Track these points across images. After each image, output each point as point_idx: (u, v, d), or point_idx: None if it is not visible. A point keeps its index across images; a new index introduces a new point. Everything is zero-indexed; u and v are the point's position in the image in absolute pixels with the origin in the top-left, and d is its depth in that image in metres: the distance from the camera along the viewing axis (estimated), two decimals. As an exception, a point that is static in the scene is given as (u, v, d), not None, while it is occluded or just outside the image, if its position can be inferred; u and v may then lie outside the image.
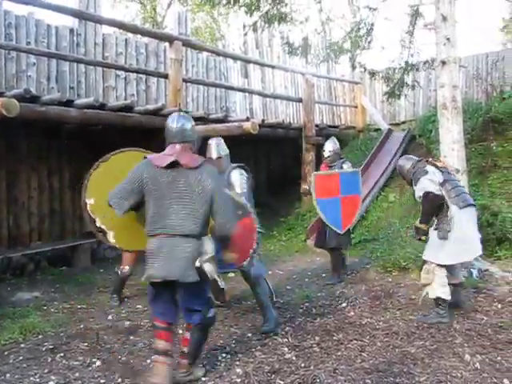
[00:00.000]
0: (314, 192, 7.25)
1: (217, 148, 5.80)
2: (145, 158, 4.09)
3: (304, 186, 9.13)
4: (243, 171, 5.72)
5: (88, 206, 4.12)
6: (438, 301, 5.36)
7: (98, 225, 4.14)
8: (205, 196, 3.94)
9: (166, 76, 8.79)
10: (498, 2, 20.02)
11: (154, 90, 10.25)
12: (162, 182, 3.93)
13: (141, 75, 9.71)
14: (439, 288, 5.35)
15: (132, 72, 9.24)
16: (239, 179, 5.63)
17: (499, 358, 4.38)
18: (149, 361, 4.57)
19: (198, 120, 8.85)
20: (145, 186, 3.95)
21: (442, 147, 7.46)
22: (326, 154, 7.58)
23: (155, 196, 3.93)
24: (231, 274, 6.90)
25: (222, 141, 5.91)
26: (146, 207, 3.98)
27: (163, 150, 4.10)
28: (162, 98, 10.04)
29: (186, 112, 4.33)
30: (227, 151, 5.83)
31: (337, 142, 7.72)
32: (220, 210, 4.00)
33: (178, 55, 8.52)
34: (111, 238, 4.18)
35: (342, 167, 7.46)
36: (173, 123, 4.12)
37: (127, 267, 6.52)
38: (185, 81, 9.14)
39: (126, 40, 9.89)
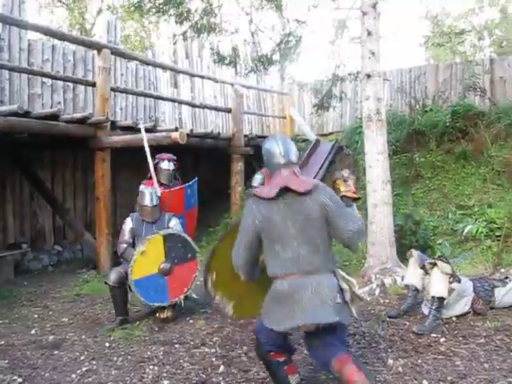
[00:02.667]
0: None
1: (151, 196, 6.16)
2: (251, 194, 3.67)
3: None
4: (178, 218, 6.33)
5: (209, 281, 3.86)
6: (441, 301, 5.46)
7: (217, 300, 3.91)
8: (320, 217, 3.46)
9: (93, 84, 8.67)
10: (421, 20, 20.78)
11: (81, 99, 10.06)
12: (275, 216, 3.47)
13: (68, 83, 9.52)
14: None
15: (59, 80, 9.03)
16: (179, 226, 6.23)
17: (420, 361, 4.53)
18: (74, 375, 4.49)
19: (127, 130, 8.82)
20: (260, 226, 3.49)
21: (367, 158, 7.65)
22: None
23: (273, 234, 3.47)
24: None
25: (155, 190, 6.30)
26: (266, 247, 3.54)
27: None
28: (90, 107, 9.88)
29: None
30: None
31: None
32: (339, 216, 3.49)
33: (106, 63, 8.42)
34: (230, 309, 3.95)
35: None
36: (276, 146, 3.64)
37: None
38: (113, 90, 9.03)
39: (52, 46, 9.64)
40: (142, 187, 6.39)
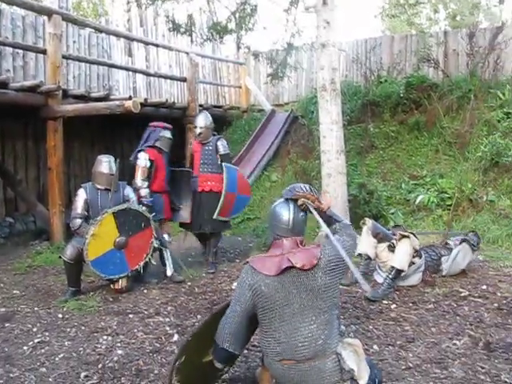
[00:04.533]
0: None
1: (109, 164, 6.05)
2: (246, 262, 3.24)
3: None
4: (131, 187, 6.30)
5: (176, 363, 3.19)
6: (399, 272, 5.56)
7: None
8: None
9: (44, 52, 8.43)
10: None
11: (32, 66, 9.77)
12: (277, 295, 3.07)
13: (18, 50, 9.22)
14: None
15: (7, 46, 8.73)
16: (133, 194, 6.19)
17: (371, 327, 4.65)
18: (25, 347, 4.45)
19: (79, 98, 8.65)
20: (255, 303, 3.11)
21: (322, 128, 7.68)
22: (198, 130, 6.98)
23: (272, 313, 3.07)
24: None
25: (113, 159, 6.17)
26: (262, 326, 3.17)
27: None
28: (41, 75, 9.61)
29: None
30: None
31: (209, 117, 7.18)
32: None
33: (57, 30, 8.20)
34: None
35: (216, 145, 6.94)
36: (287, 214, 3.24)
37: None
38: (65, 57, 8.82)
39: (0, 11, 9.34)
40: (99, 156, 6.29)
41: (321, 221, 3.24)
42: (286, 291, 3.04)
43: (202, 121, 7.03)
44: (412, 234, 5.76)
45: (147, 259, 6.03)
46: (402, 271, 5.55)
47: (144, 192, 6.41)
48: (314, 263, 3.03)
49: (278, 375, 3.14)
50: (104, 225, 5.62)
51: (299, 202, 3.25)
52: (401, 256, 5.57)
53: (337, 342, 3.07)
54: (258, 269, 3.10)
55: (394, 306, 5.17)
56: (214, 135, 7.15)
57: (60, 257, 5.90)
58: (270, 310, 3.06)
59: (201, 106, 11.77)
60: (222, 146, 7.00)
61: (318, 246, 3.19)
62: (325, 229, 3.22)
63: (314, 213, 3.25)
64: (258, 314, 3.13)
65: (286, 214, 3.21)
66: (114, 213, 5.69)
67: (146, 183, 6.48)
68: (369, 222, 6.01)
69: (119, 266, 5.80)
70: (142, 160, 6.53)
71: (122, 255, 5.78)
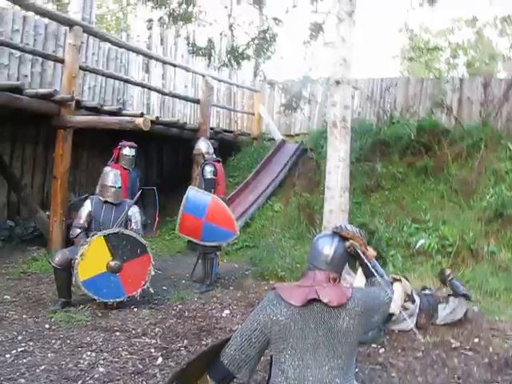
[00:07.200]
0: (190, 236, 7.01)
1: (115, 177, 6.17)
2: (273, 288, 3.07)
3: None
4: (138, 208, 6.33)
5: None
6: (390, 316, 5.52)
7: None
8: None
9: (62, 61, 8.51)
10: (401, 33, 20.91)
11: (49, 74, 9.87)
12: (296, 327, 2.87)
13: (37, 57, 9.31)
14: None
15: (26, 52, 8.80)
16: (138, 215, 6.24)
17: (357, 370, 4.47)
18: (8, 355, 4.41)
19: (92, 110, 8.70)
20: (270, 330, 2.91)
21: (329, 164, 7.68)
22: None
23: (284, 344, 2.87)
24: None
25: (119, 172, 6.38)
26: (273, 356, 2.98)
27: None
28: (58, 84, 9.69)
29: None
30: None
31: (203, 143, 7.60)
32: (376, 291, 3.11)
33: (76, 41, 8.28)
34: None
35: (204, 169, 7.23)
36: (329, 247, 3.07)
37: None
38: (82, 68, 8.89)
39: (24, 17, 9.42)
40: (106, 168, 6.41)
41: (369, 265, 3.10)
42: (303, 324, 2.84)
43: (196, 146, 7.46)
44: (404, 277, 5.73)
45: (145, 287, 5.98)
46: (392, 315, 5.50)
47: None
48: (342, 302, 2.85)
49: None
50: (94, 247, 5.62)
51: (347, 244, 3.12)
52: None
53: None
54: (285, 297, 2.90)
55: (382, 351, 5.11)
56: (205, 160, 7.37)
57: (49, 262, 5.92)
58: (283, 340, 2.86)
59: (212, 129, 11.83)
60: (208, 171, 7.21)
61: (351, 287, 3.09)
62: (378, 278, 3.10)
63: (362, 257, 3.11)
64: (270, 343, 2.94)
65: (328, 246, 3.06)
66: (104, 236, 5.68)
67: None
68: None
69: (114, 290, 5.77)
70: None
71: (116, 279, 5.75)
